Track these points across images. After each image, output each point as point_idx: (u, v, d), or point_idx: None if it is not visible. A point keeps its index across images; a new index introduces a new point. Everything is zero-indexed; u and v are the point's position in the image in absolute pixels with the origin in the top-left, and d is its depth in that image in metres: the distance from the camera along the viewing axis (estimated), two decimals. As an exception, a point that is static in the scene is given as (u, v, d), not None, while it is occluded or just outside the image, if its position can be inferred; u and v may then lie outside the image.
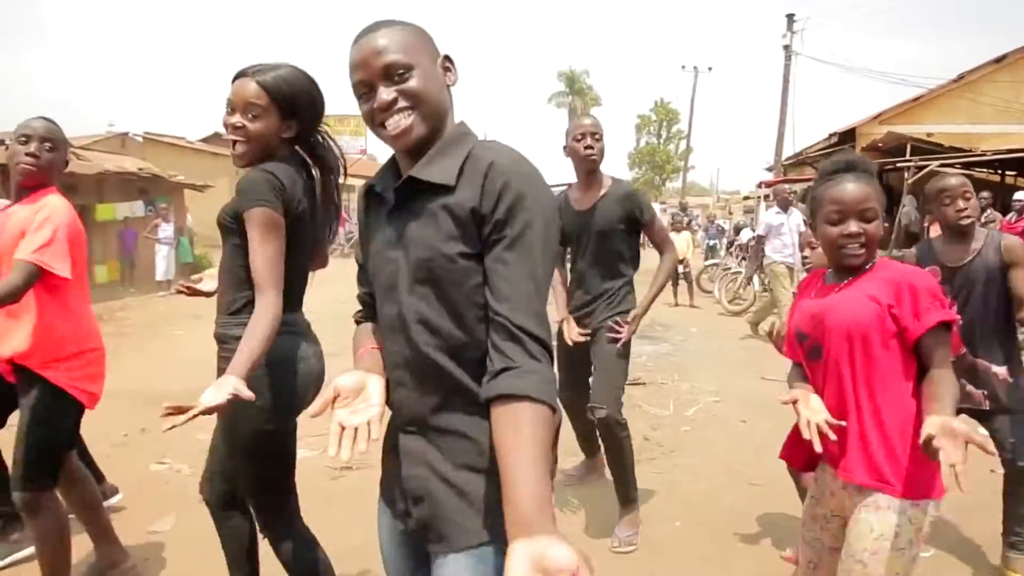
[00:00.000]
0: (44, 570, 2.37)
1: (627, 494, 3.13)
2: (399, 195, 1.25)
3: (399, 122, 1.20)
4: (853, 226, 1.69)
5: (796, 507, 2.56)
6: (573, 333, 3.21)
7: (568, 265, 3.42)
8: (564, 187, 3.34)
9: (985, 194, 9.97)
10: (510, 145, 1.24)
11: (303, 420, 1.92)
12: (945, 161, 12.39)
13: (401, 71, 1.19)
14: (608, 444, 3.10)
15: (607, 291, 3.17)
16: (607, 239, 3.14)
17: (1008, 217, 9.01)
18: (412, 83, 1.20)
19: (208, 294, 2.15)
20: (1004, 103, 16.00)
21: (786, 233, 7.71)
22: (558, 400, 1.12)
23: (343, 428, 1.20)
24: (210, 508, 2.17)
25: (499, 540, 1.12)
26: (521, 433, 1.04)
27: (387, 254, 1.27)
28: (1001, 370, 2.73)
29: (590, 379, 3.27)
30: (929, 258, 2.85)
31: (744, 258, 11.29)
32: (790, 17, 20.58)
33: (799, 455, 2.05)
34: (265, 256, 1.75)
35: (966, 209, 2.71)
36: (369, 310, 1.44)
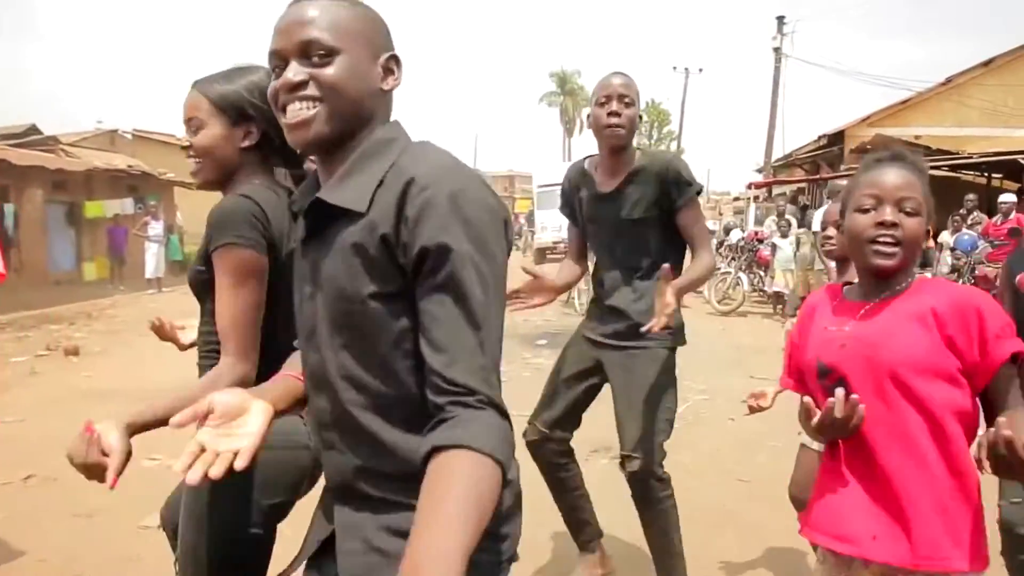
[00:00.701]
0: None
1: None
2: (309, 222, 1.04)
3: (299, 112, 0.98)
4: (889, 214, 1.32)
5: (783, 502, 2.60)
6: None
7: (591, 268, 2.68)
8: (585, 159, 2.58)
9: (971, 196, 10.10)
10: (445, 149, 1.03)
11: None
12: (932, 164, 12.51)
13: (322, 52, 0.97)
14: (640, 508, 2.33)
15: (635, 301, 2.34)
16: (636, 231, 2.34)
17: (994, 219, 9.11)
18: (330, 71, 0.97)
19: (183, 347, 1.84)
20: (991, 106, 16.15)
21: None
22: (511, 461, 0.92)
23: (202, 449, 0.95)
24: (173, 538, 1.76)
25: None
26: (445, 483, 0.83)
27: (304, 291, 1.07)
28: None
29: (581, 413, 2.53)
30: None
31: (734, 258, 11.35)
32: (780, 19, 20.72)
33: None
34: (234, 309, 1.41)
35: None
36: None
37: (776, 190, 22.19)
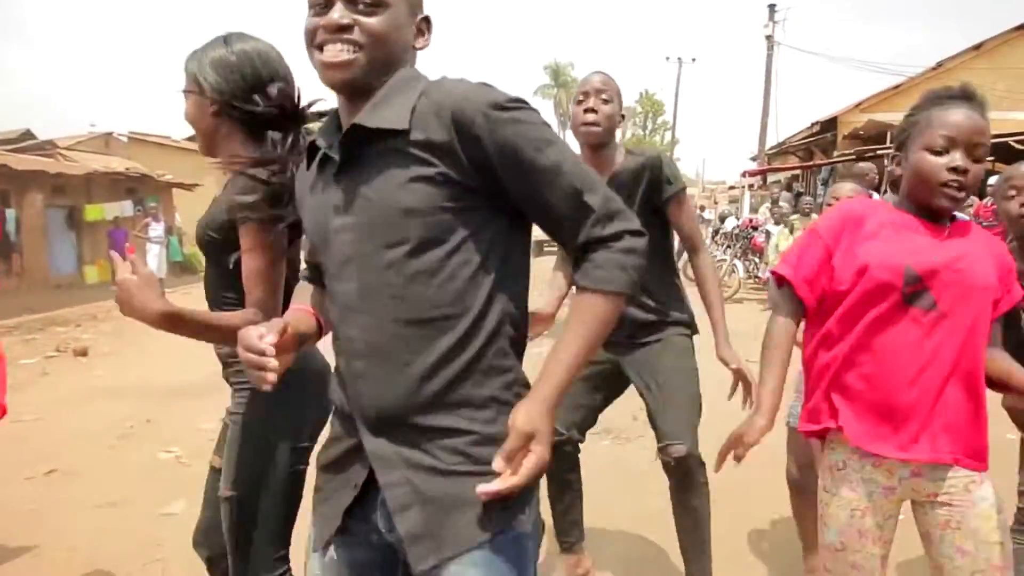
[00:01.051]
0: None
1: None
2: (345, 149, 1.06)
3: (339, 53, 1.02)
4: (960, 159, 1.37)
5: (767, 467, 2.71)
6: None
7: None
8: None
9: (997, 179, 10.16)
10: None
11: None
12: (924, 148, 12.64)
13: (369, 1, 1.02)
14: (682, 496, 2.26)
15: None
16: None
17: (985, 200, 9.23)
18: (376, 20, 1.03)
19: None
20: (982, 90, 16.00)
21: None
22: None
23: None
24: (210, 564, 1.87)
25: (506, 528, 1.03)
26: (572, 325, 1.03)
27: (338, 221, 1.08)
28: None
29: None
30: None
31: (729, 246, 11.47)
32: (772, 7, 20.79)
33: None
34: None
35: None
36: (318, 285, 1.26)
37: (771, 178, 22.34)
